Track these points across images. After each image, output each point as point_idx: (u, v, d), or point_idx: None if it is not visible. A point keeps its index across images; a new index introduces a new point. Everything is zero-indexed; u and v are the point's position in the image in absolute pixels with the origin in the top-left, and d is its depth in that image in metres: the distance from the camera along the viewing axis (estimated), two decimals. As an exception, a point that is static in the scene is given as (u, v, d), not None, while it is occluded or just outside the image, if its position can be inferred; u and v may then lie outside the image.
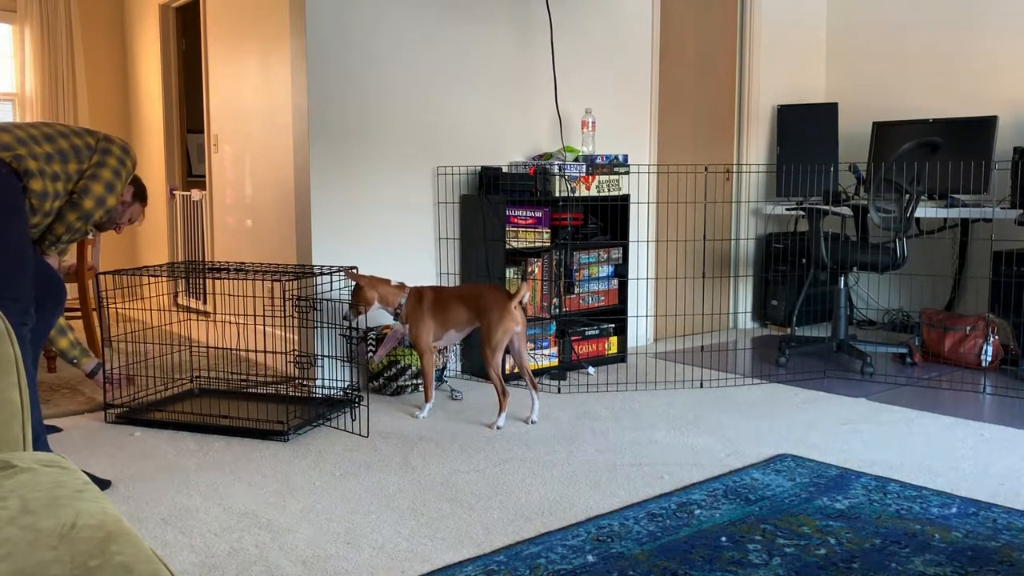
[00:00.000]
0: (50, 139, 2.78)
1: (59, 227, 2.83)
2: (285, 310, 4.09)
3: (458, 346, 4.22)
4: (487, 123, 4.35)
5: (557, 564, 2.17)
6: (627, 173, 4.37)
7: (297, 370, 4.02)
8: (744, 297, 5.61)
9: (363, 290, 3.48)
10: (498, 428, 3.36)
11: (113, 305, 5.24)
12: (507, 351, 3.48)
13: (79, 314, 4.51)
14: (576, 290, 4.34)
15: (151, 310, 5.61)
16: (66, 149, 2.80)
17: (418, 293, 3.54)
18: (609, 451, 3.10)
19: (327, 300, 3.82)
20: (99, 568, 1.03)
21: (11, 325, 2.68)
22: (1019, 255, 4.26)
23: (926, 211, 4.58)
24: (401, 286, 3.55)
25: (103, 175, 2.85)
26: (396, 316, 3.56)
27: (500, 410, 3.39)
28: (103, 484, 2.76)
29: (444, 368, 4.05)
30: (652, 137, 5.01)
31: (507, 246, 4.03)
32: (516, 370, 4.11)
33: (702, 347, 4.99)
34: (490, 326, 3.37)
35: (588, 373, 4.33)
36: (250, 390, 3.89)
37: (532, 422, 3.44)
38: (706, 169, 5.31)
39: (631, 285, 4.84)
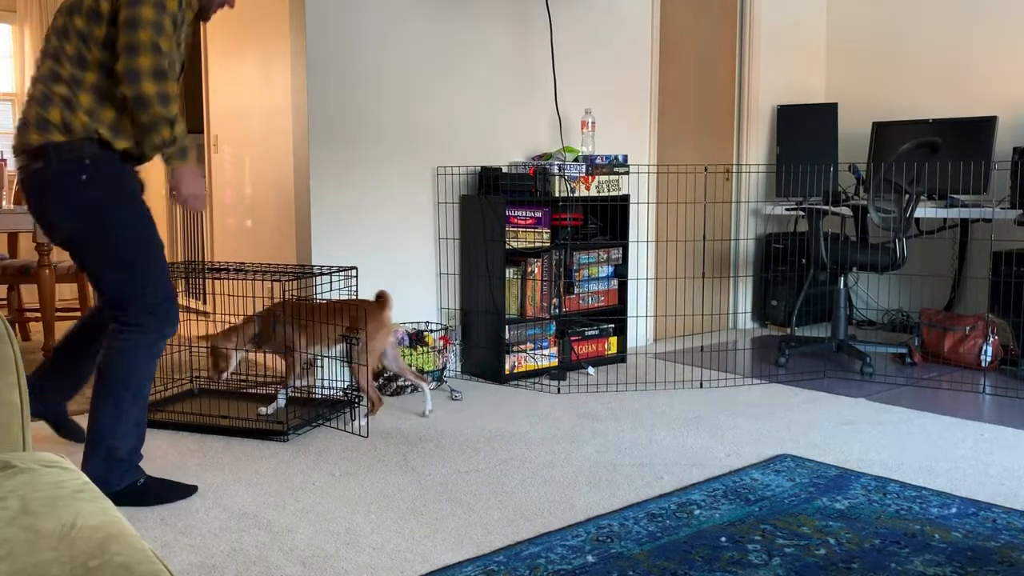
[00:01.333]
0: (80, 63, 2.34)
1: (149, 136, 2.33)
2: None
3: (457, 346, 4.22)
4: (487, 123, 4.35)
5: (557, 564, 2.17)
6: (627, 173, 4.37)
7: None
8: (744, 297, 5.61)
9: (215, 350, 3.38)
10: (365, 431, 3.32)
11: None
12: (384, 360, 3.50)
13: (79, 314, 4.51)
14: (576, 290, 4.34)
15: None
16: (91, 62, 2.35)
17: (270, 312, 3.42)
18: (609, 451, 3.10)
19: (327, 300, 3.82)
20: (99, 568, 1.03)
21: (149, 343, 2.43)
22: (1019, 255, 4.26)
23: (926, 211, 4.58)
24: (249, 318, 3.45)
25: (142, 64, 2.27)
26: (260, 344, 3.45)
27: (370, 413, 3.36)
28: (190, 490, 2.64)
29: (444, 368, 4.05)
30: (652, 137, 5.01)
31: (507, 246, 4.03)
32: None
33: (702, 347, 4.99)
34: (368, 340, 3.31)
35: (588, 373, 4.33)
36: (250, 390, 3.89)
37: (429, 413, 3.52)
38: (706, 169, 5.32)
39: (631, 285, 4.84)
